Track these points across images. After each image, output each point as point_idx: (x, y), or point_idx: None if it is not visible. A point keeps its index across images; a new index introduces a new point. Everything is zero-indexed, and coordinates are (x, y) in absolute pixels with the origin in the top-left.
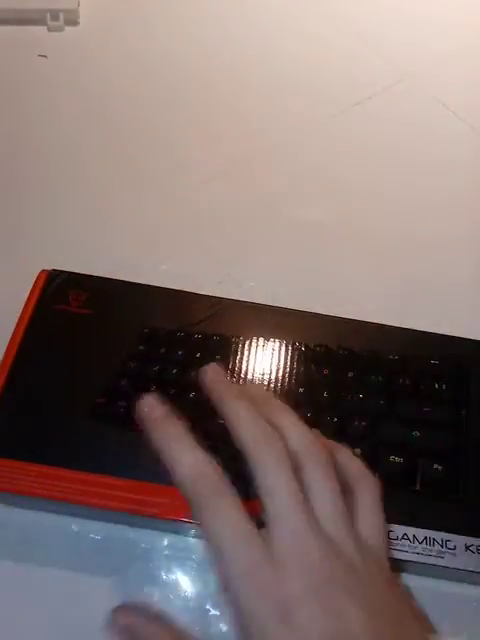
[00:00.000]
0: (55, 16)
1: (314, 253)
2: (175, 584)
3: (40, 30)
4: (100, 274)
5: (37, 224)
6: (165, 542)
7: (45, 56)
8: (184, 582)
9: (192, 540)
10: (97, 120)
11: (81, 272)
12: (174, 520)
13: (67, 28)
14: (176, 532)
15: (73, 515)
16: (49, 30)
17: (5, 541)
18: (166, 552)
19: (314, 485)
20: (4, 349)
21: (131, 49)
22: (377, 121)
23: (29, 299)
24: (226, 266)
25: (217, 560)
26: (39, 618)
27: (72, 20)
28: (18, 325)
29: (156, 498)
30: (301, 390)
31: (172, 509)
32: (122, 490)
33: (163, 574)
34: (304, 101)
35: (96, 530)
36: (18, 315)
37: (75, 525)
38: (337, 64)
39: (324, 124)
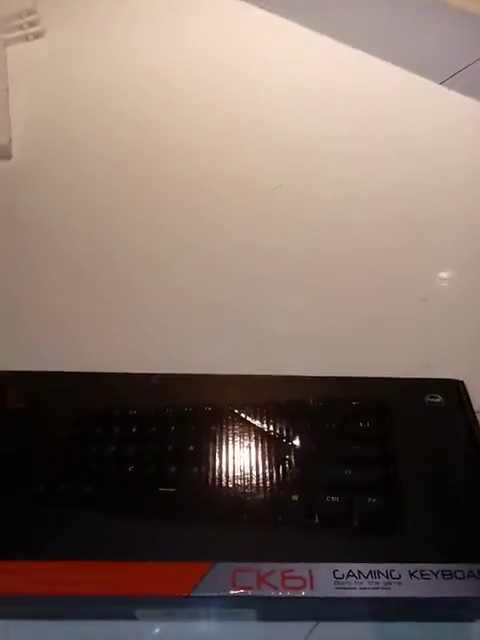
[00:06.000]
0: None
1: (232, 320)
2: None
3: None
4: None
5: None
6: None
7: None
8: None
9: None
10: (33, 239)
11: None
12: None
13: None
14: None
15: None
16: None
17: None
18: None
19: None
20: None
21: (60, 178)
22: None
23: None
24: (147, 344)
25: None
26: None
27: (5, 155)
28: None
29: (102, 575)
30: (244, 447)
31: (120, 585)
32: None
33: None
34: (217, 197)
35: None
36: None
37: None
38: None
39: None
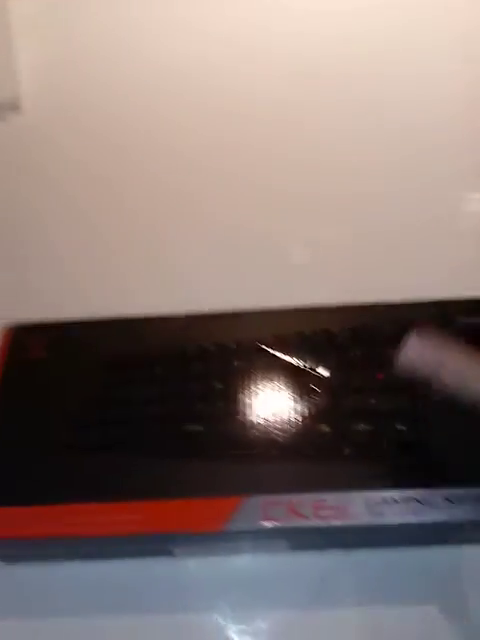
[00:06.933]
0: None
1: (254, 256)
2: None
3: None
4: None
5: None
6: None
7: None
8: None
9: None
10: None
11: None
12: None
13: (11, 115)
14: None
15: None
16: None
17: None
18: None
19: None
20: None
21: (73, 128)
22: None
23: None
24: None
25: None
26: None
27: (14, 106)
28: None
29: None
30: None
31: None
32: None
33: None
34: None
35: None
36: None
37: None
38: None
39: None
